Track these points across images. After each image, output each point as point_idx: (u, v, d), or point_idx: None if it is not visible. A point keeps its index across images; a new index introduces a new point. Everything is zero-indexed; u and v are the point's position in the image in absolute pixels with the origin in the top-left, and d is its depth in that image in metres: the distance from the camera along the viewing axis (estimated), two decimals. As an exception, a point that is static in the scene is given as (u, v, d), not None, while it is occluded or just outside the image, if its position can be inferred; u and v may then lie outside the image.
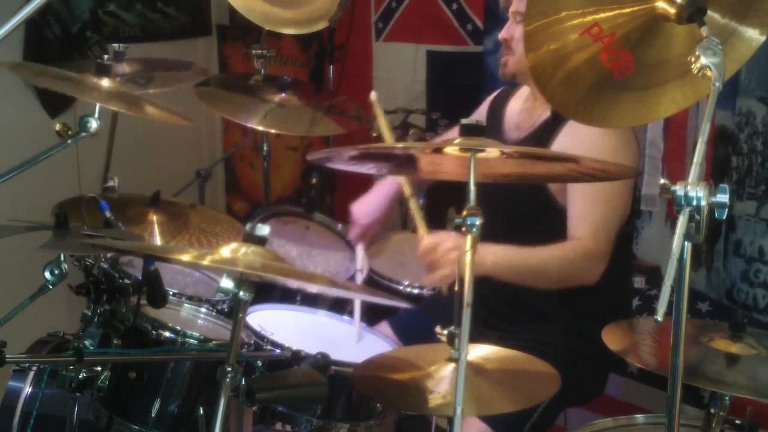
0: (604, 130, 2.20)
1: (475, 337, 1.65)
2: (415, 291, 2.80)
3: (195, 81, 3.01)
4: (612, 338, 1.84)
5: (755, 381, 1.70)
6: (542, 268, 2.24)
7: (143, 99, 2.20)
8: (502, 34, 2.45)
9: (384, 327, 2.56)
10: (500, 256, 2.18)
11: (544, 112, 2.41)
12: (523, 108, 2.52)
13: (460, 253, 2.19)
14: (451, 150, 1.67)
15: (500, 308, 2.38)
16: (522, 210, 2.33)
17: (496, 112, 2.58)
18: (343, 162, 2.00)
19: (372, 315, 2.55)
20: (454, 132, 2.15)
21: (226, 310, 2.31)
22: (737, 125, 2.78)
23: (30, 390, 2.23)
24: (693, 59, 1.40)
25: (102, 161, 2.89)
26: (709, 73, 1.38)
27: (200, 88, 3.02)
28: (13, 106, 3.48)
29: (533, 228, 2.29)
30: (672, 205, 3.04)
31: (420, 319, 2.40)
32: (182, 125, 2.28)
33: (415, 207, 2.42)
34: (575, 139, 2.24)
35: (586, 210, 2.27)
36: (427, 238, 2.27)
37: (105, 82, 2.14)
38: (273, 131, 3.08)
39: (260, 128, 2.99)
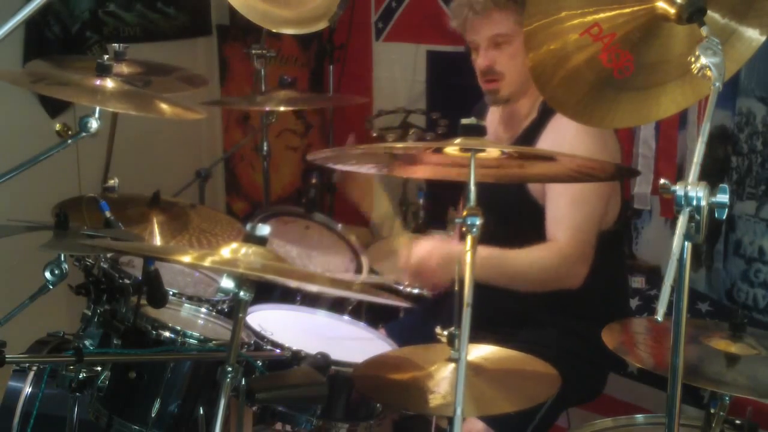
0: (582, 132, 2.20)
1: (474, 340, 1.65)
2: (415, 291, 2.80)
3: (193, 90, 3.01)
4: (611, 338, 1.84)
5: (755, 381, 1.70)
6: (519, 271, 2.26)
7: (152, 96, 2.20)
8: (480, 63, 2.40)
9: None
10: (479, 259, 2.17)
11: (524, 121, 2.42)
12: (500, 121, 2.53)
13: (446, 262, 2.24)
14: (451, 150, 1.67)
15: (497, 315, 2.38)
16: (503, 210, 2.32)
17: None
18: (343, 162, 2.00)
19: (370, 318, 2.55)
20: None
21: (226, 310, 2.31)
22: (737, 125, 2.78)
23: (30, 390, 2.23)
24: (693, 59, 1.40)
25: (102, 161, 2.89)
26: (709, 73, 1.38)
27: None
28: (13, 106, 3.48)
29: (514, 228, 2.29)
30: (665, 204, 3.06)
31: (417, 327, 2.40)
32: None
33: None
34: (555, 140, 2.25)
35: (564, 212, 2.27)
36: (412, 257, 2.32)
37: (108, 83, 2.13)
38: (279, 108, 3.08)
39: (265, 108, 2.99)
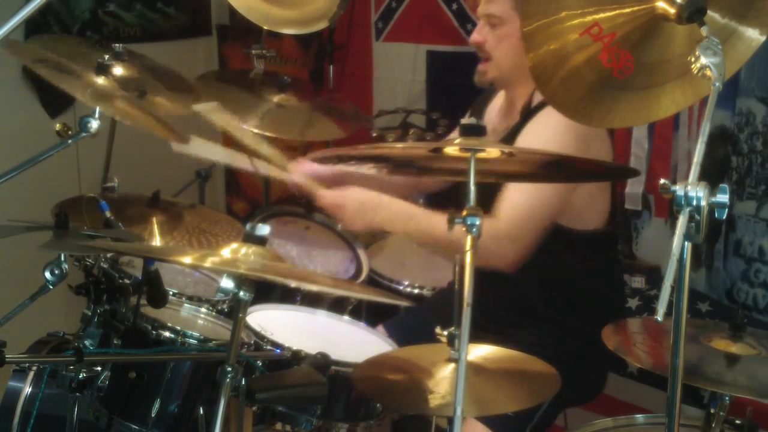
0: (567, 128, 2.16)
1: (473, 340, 1.65)
2: (415, 291, 2.80)
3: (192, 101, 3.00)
4: (611, 338, 1.84)
5: (755, 381, 1.70)
6: (434, 232, 2.23)
7: (141, 108, 2.20)
8: (474, 38, 2.42)
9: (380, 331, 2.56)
10: (393, 211, 2.26)
11: (515, 117, 2.42)
12: (498, 112, 2.53)
13: (360, 205, 2.33)
14: (451, 150, 1.67)
15: (496, 313, 2.38)
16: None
17: (476, 115, 2.58)
18: (343, 162, 2.00)
19: (370, 317, 2.55)
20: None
21: (226, 310, 2.31)
22: (737, 125, 2.78)
23: (30, 390, 2.23)
24: (693, 59, 1.40)
25: (102, 161, 2.89)
26: (709, 73, 1.38)
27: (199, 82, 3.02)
28: (13, 106, 3.48)
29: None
30: (659, 204, 3.05)
31: (416, 323, 2.40)
32: (182, 126, 2.29)
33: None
34: (535, 137, 2.25)
35: (511, 193, 2.24)
36: (328, 195, 2.41)
37: (104, 82, 2.14)
38: (269, 134, 3.08)
39: (257, 131, 2.98)
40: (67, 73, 2.16)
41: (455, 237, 2.18)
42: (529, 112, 2.33)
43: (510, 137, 2.36)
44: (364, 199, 2.37)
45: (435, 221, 2.25)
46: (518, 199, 2.24)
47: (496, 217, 2.22)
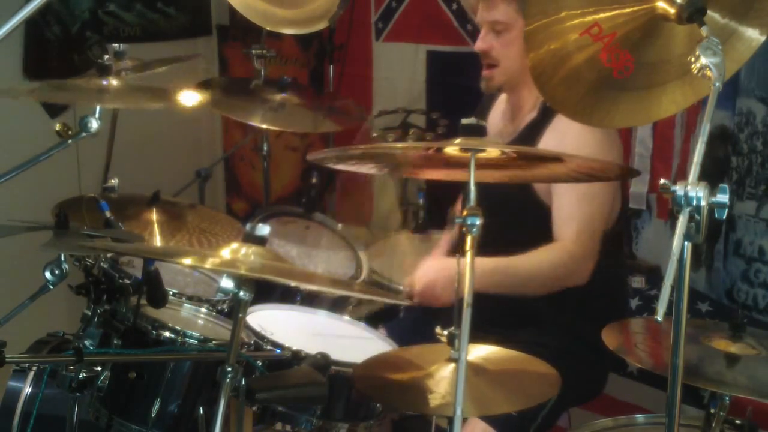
0: (586, 132, 2.19)
1: (473, 341, 1.65)
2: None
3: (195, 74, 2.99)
4: (611, 338, 1.84)
5: (755, 381, 1.70)
6: (529, 275, 2.26)
7: (146, 89, 2.19)
8: (479, 46, 2.41)
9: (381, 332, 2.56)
10: (487, 271, 2.17)
11: (526, 116, 2.41)
12: (503, 116, 2.52)
13: (450, 284, 2.23)
14: (451, 150, 1.67)
15: (495, 316, 2.37)
16: (509, 212, 2.32)
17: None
18: (343, 162, 2.00)
19: (370, 318, 2.55)
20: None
21: (226, 310, 2.31)
22: (737, 125, 2.78)
23: (30, 390, 2.23)
24: (693, 59, 1.40)
25: (102, 161, 2.90)
26: (709, 73, 1.38)
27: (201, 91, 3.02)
28: (13, 107, 3.47)
29: (520, 230, 2.29)
30: (661, 206, 3.05)
31: (417, 327, 2.40)
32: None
33: None
34: (559, 138, 2.25)
35: (570, 210, 2.27)
36: (415, 285, 2.33)
37: (107, 82, 2.14)
38: (274, 128, 3.07)
39: (263, 126, 2.97)
40: (67, 90, 2.17)
41: (554, 272, 2.21)
42: (548, 109, 2.33)
43: (528, 135, 2.36)
44: (450, 275, 2.20)
45: (530, 262, 2.24)
46: (578, 215, 2.26)
47: (566, 238, 2.25)
